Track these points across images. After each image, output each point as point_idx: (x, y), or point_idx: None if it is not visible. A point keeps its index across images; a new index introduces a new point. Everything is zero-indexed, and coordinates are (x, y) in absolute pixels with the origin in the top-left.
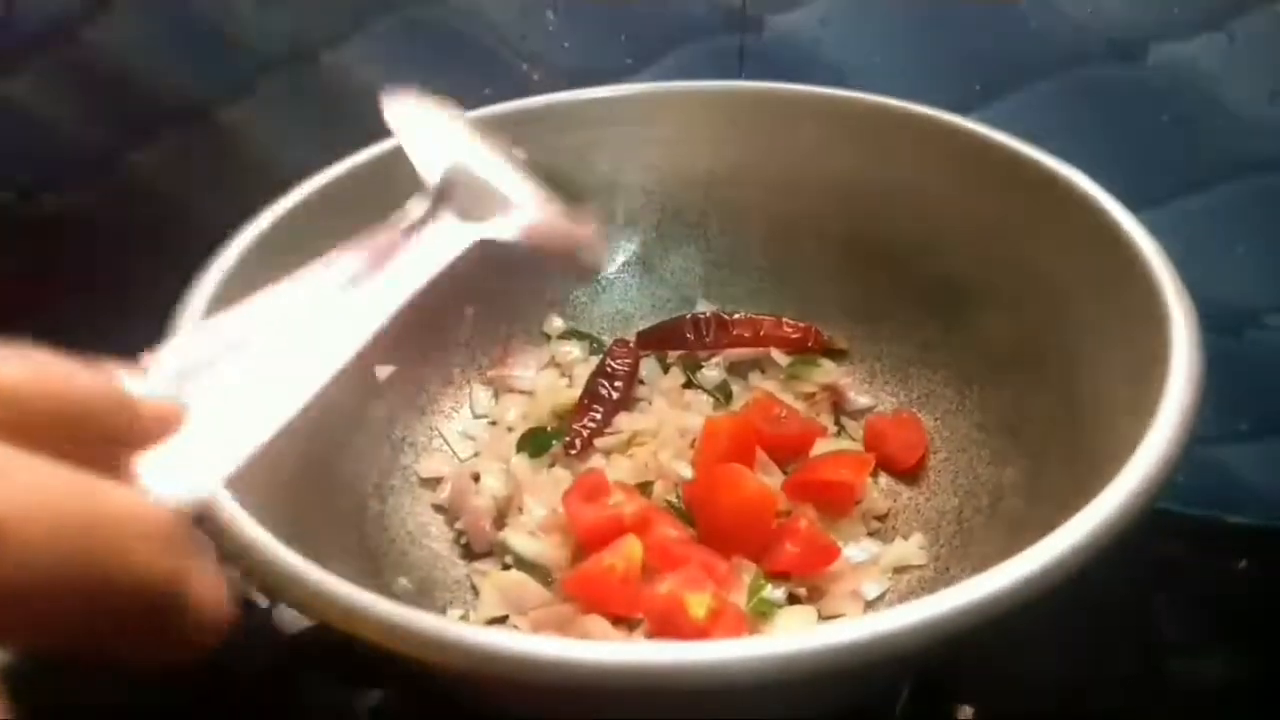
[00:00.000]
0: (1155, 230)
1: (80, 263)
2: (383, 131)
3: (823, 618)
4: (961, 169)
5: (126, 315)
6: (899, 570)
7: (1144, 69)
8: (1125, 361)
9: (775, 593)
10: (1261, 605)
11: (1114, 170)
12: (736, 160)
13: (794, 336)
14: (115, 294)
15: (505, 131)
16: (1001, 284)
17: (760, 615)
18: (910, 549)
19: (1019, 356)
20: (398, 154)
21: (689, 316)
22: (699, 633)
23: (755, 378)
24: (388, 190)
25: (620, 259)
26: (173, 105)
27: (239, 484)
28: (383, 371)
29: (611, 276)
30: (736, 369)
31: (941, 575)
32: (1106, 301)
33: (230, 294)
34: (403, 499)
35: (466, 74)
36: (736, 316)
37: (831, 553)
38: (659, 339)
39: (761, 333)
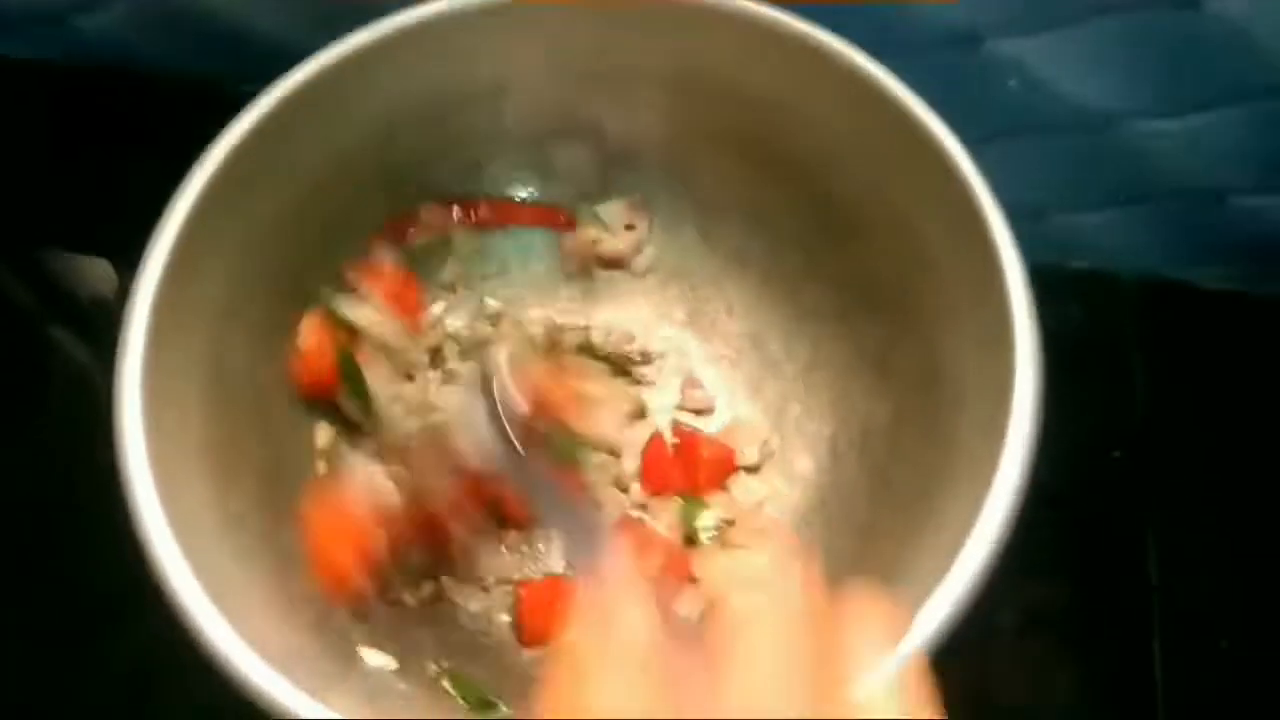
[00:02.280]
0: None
1: None
2: None
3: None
4: (838, 93)
5: None
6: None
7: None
8: (975, 333)
9: (707, 518)
10: (1093, 343)
11: None
12: (629, 60)
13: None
14: None
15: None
16: (877, 214)
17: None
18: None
19: (890, 291)
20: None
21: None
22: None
23: None
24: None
25: (511, 160)
26: None
27: None
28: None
29: (504, 180)
30: None
31: (822, 500)
32: (958, 255)
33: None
34: None
35: None
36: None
37: (730, 458)
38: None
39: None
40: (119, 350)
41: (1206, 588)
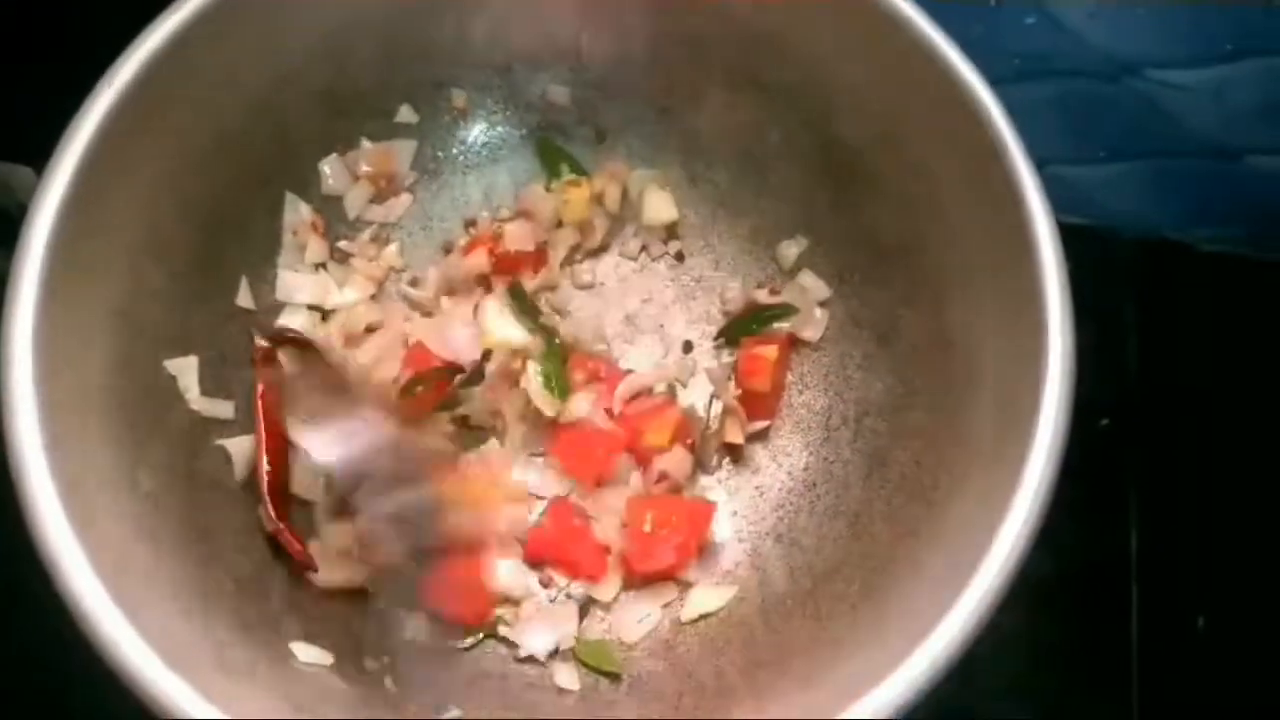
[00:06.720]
0: None
1: None
2: None
3: None
4: (843, 23)
5: None
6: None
7: None
8: (994, 297)
9: None
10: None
11: None
12: None
13: None
14: None
15: None
16: (886, 159)
17: None
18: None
19: (896, 248)
20: None
21: None
22: None
23: None
24: None
25: (468, 87)
26: None
27: None
28: None
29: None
30: None
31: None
32: (978, 207)
33: None
34: None
35: None
36: None
37: None
38: None
39: None
40: (8, 296)
41: (1186, 565)
